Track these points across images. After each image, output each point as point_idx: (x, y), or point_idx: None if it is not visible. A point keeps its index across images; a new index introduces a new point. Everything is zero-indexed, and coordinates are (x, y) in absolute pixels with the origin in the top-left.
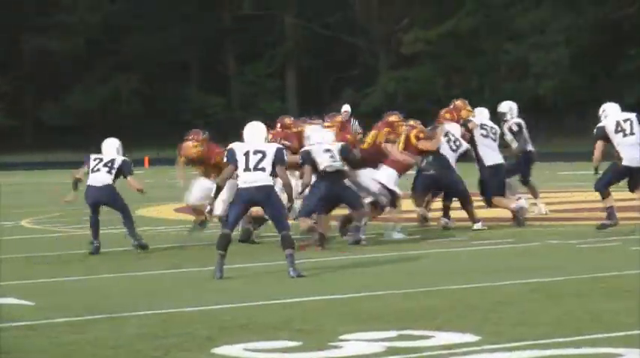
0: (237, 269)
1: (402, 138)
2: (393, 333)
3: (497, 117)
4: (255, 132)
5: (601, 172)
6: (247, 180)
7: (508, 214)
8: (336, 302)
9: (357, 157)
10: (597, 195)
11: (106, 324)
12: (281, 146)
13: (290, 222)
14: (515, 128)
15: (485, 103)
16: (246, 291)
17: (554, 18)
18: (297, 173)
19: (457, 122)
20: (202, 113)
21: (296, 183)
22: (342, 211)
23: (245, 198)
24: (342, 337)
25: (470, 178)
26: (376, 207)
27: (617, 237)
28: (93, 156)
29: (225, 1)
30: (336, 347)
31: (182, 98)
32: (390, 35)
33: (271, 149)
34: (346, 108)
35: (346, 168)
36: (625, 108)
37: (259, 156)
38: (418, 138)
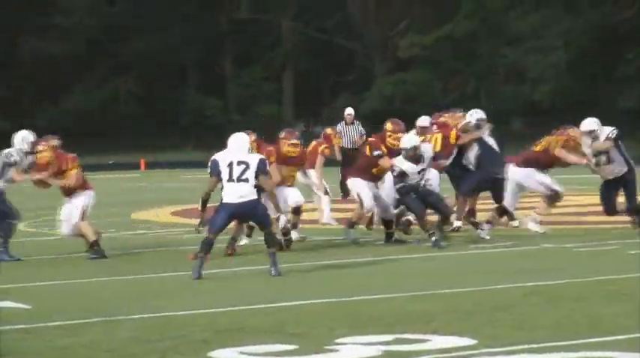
0: (233, 272)
1: (440, 136)
2: (389, 337)
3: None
4: (239, 143)
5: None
6: (233, 193)
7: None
8: (333, 305)
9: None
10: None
11: (101, 327)
12: (263, 157)
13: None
14: None
15: (482, 107)
16: (241, 295)
17: (554, 21)
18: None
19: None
20: (201, 115)
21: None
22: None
23: (230, 212)
24: (338, 340)
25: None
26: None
27: (615, 240)
28: None
29: (224, 2)
30: (331, 350)
31: (180, 100)
32: (387, 39)
33: (254, 160)
34: (349, 111)
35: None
36: (623, 111)
37: (243, 166)
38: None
